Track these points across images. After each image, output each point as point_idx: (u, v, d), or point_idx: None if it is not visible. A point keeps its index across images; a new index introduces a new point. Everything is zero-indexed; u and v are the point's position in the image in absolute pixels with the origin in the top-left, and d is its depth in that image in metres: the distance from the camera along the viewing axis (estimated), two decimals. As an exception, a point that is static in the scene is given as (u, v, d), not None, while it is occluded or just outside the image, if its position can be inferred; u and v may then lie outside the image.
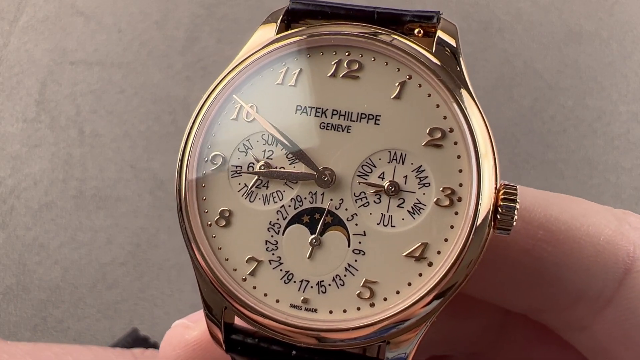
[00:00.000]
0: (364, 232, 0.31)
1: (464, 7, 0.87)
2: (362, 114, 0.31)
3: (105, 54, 0.87)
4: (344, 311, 0.30)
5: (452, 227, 0.30)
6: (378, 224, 0.31)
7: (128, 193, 0.80)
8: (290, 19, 0.34)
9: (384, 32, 0.32)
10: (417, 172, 0.31)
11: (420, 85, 0.31)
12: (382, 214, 0.31)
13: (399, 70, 0.31)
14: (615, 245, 0.30)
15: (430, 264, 0.30)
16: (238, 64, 0.33)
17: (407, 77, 0.31)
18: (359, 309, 0.30)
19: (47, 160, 0.82)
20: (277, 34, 0.33)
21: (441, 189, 0.30)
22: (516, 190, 0.29)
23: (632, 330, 0.31)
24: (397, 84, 0.31)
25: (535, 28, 0.86)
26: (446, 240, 0.30)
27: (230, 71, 0.33)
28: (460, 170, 0.30)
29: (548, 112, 0.83)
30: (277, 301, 0.31)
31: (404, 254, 0.30)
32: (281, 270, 0.31)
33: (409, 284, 0.30)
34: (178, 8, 0.89)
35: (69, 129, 0.84)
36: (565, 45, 0.85)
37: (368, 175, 0.31)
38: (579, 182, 0.80)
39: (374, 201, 0.31)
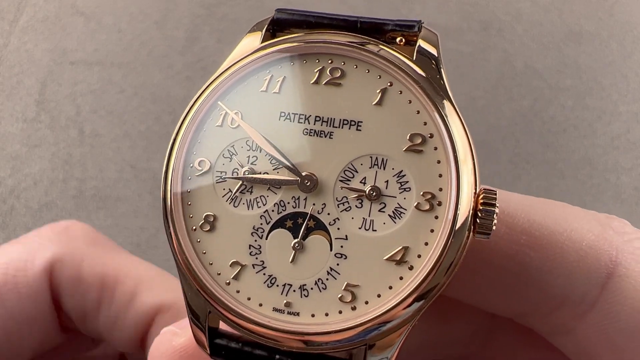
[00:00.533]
0: (346, 236, 0.31)
1: (464, 7, 0.87)
2: (344, 120, 0.32)
3: (105, 54, 0.87)
4: (326, 314, 0.31)
5: (432, 230, 0.30)
6: (360, 228, 0.31)
7: (128, 193, 0.81)
8: (275, 29, 0.34)
9: (371, 42, 0.32)
10: (398, 177, 0.31)
11: (401, 92, 0.32)
12: (363, 218, 0.31)
13: (380, 78, 0.32)
14: (598, 250, 0.30)
15: (410, 268, 0.30)
16: (223, 72, 0.33)
17: (388, 84, 0.32)
18: (340, 312, 0.31)
19: (47, 160, 0.82)
20: (262, 42, 0.34)
21: (421, 193, 0.31)
22: (495, 194, 0.30)
23: (615, 334, 0.31)
24: (378, 91, 0.32)
25: (535, 28, 0.86)
26: (426, 244, 0.30)
27: (215, 78, 0.33)
28: (440, 175, 0.30)
29: (548, 112, 0.83)
30: (260, 305, 0.31)
31: (385, 258, 0.30)
32: (264, 274, 0.32)
33: (390, 287, 0.30)
34: (178, 8, 0.89)
35: (69, 129, 0.84)
36: (565, 45, 0.85)
37: (350, 180, 0.32)
38: (579, 182, 0.80)
39: (356, 206, 0.31)
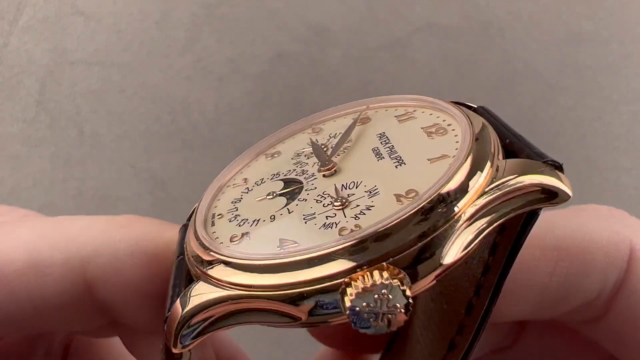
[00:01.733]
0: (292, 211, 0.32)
1: (464, 7, 0.87)
2: (398, 156, 0.33)
3: (105, 54, 0.87)
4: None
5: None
6: (304, 216, 0.31)
7: (128, 193, 0.80)
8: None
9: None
10: (369, 193, 0.31)
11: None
12: (314, 213, 0.31)
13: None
14: (617, 242, 0.33)
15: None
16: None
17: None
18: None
19: (47, 160, 0.82)
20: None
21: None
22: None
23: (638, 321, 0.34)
24: (440, 155, 0.32)
25: (535, 28, 0.86)
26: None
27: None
28: None
29: (548, 112, 0.83)
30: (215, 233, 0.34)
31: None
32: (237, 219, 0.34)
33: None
34: (178, 8, 0.89)
35: (69, 129, 0.84)
36: (565, 45, 0.85)
37: (348, 189, 0.32)
38: (579, 182, 0.80)
39: (324, 204, 0.31)
